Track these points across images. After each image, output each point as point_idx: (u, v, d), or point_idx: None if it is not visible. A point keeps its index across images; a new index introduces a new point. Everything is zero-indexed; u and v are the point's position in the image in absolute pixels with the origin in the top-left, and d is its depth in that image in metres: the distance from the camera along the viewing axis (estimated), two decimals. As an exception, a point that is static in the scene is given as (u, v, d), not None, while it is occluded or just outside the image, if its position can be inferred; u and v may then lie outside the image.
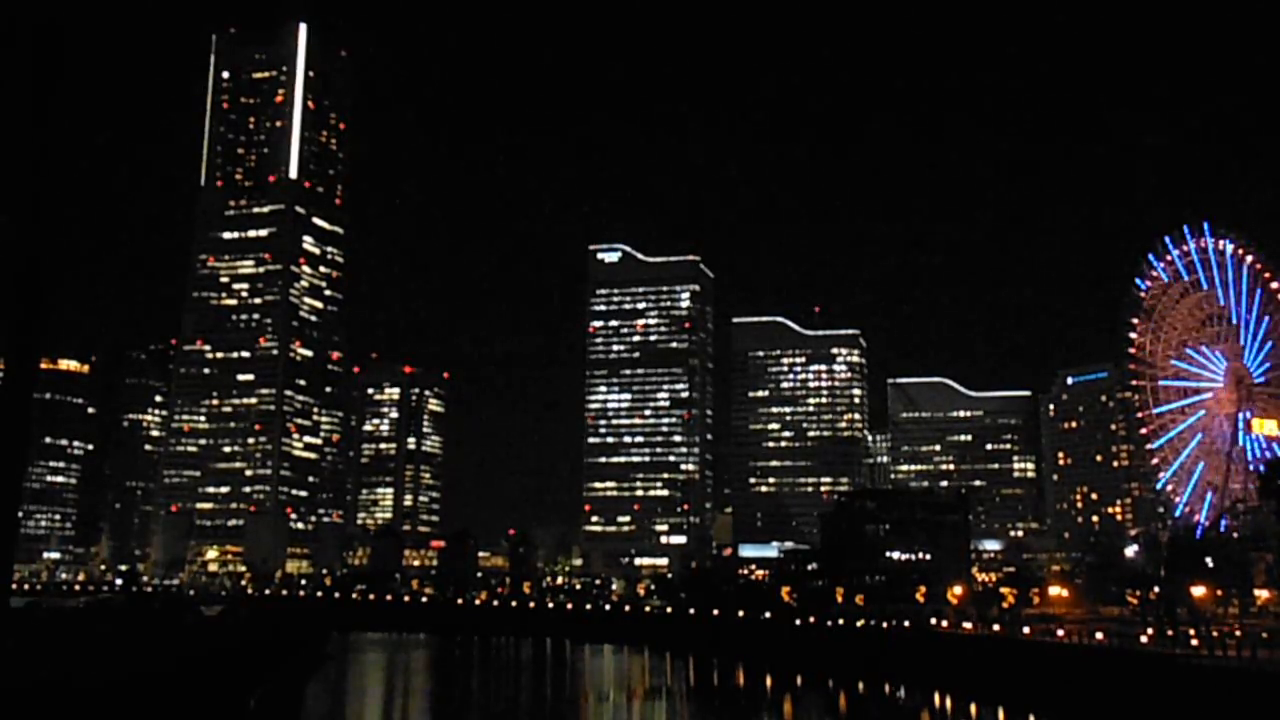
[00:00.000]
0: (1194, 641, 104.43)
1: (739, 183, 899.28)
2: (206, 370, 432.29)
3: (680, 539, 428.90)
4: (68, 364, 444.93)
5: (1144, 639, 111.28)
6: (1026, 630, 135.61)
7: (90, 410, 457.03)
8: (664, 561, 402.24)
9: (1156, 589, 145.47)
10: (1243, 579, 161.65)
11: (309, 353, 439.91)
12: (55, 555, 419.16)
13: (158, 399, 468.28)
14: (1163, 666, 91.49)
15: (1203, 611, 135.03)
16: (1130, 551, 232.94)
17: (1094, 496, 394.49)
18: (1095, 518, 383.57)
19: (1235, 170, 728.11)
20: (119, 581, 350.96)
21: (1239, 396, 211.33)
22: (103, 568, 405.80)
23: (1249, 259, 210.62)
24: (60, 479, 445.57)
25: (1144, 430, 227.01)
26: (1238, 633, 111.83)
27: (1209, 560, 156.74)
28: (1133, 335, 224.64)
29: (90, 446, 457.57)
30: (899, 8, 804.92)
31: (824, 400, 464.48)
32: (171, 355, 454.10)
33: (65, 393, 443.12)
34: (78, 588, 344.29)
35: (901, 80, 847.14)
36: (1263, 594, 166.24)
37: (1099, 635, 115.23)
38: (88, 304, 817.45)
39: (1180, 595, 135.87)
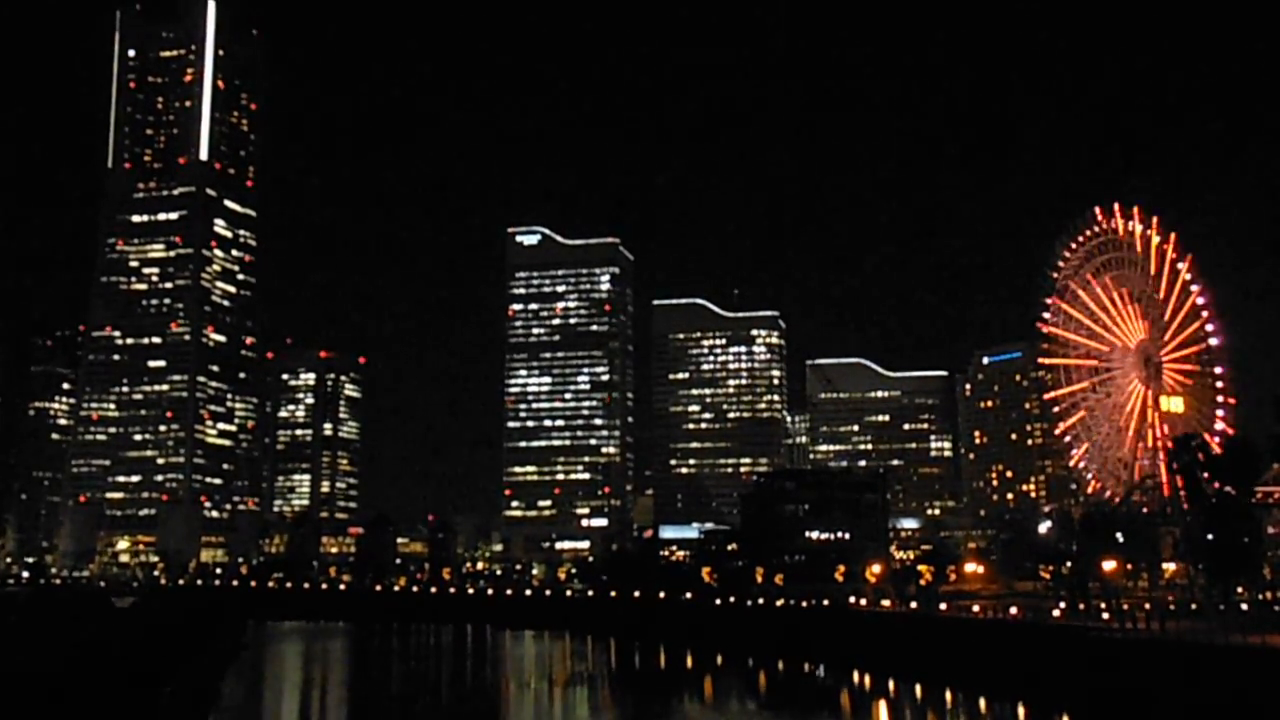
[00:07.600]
0: (1105, 615, 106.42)
1: (657, 165, 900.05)
2: (116, 357, 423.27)
3: (601, 522, 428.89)
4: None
5: (1057, 613, 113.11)
6: (943, 607, 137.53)
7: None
8: (585, 545, 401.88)
9: (1069, 564, 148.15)
10: (1151, 553, 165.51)
11: (222, 338, 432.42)
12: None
13: (65, 386, 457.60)
14: (1075, 639, 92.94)
15: (1113, 585, 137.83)
16: (1043, 528, 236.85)
17: (1009, 474, 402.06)
18: (1010, 495, 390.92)
19: (1147, 151, 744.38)
20: (25, 574, 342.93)
21: (1148, 374, 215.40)
22: (8, 560, 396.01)
23: (1157, 239, 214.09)
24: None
25: (1056, 409, 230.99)
26: (1147, 605, 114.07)
27: (1119, 535, 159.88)
28: (1045, 315, 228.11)
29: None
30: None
31: (743, 382, 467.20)
32: (79, 341, 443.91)
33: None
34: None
35: (816, 62, 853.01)
36: (1170, 567, 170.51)
37: (1013, 610, 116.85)
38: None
39: (1092, 570, 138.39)
